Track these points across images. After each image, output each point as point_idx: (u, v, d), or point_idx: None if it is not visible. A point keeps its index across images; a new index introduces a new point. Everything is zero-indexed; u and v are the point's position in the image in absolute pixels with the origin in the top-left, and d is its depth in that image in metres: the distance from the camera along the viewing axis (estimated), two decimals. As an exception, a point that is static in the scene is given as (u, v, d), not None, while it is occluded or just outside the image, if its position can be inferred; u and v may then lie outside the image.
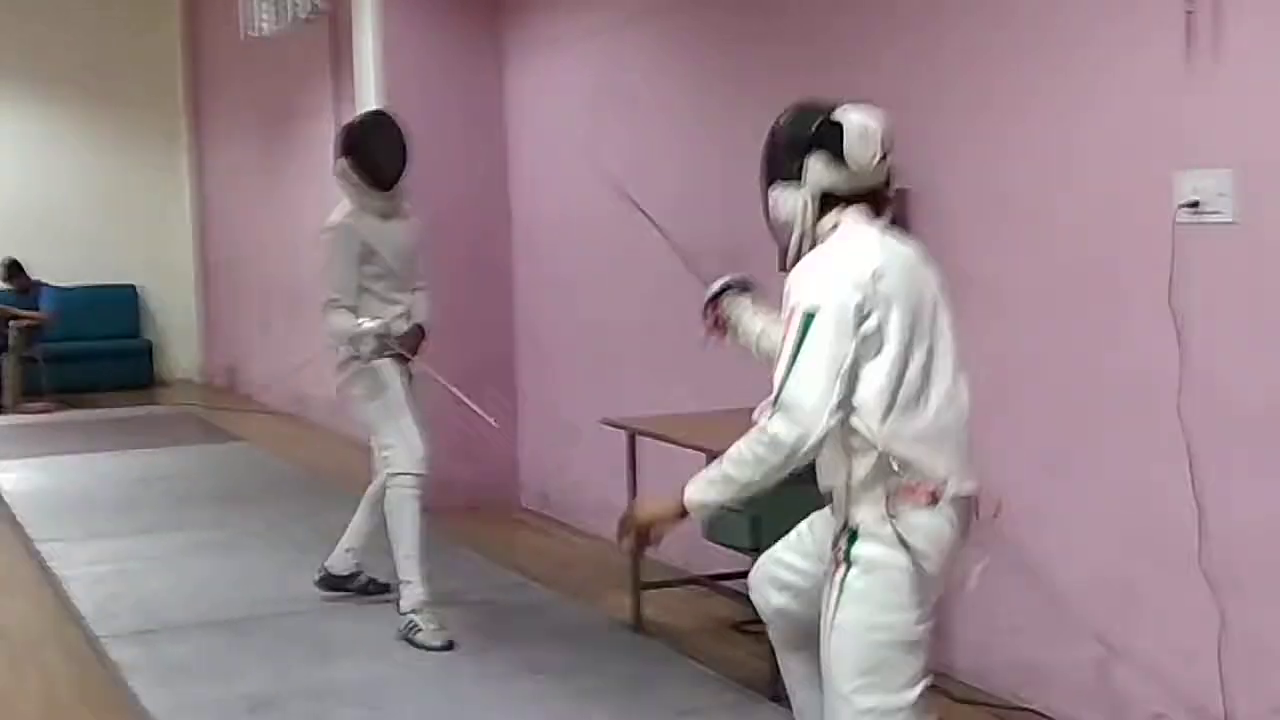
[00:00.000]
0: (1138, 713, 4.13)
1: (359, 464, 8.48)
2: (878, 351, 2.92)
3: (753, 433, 2.95)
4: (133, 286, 14.22)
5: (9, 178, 13.79)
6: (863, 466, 2.96)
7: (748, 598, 5.43)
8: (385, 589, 5.83)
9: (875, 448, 2.92)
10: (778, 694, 4.61)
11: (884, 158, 3.04)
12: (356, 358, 5.38)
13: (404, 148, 5.43)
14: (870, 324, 2.91)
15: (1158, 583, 4.05)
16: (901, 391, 2.94)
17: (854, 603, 2.96)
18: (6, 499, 8.31)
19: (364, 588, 5.86)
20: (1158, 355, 3.94)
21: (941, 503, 2.95)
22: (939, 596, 3.05)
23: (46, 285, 12.78)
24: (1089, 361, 4.26)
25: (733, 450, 2.99)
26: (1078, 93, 4.27)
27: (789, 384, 2.89)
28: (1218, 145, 3.82)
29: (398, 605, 5.34)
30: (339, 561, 5.85)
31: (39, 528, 7.45)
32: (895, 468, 2.92)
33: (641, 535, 3.16)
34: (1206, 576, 3.85)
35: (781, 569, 3.30)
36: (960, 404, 3.03)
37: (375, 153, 5.39)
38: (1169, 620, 4.02)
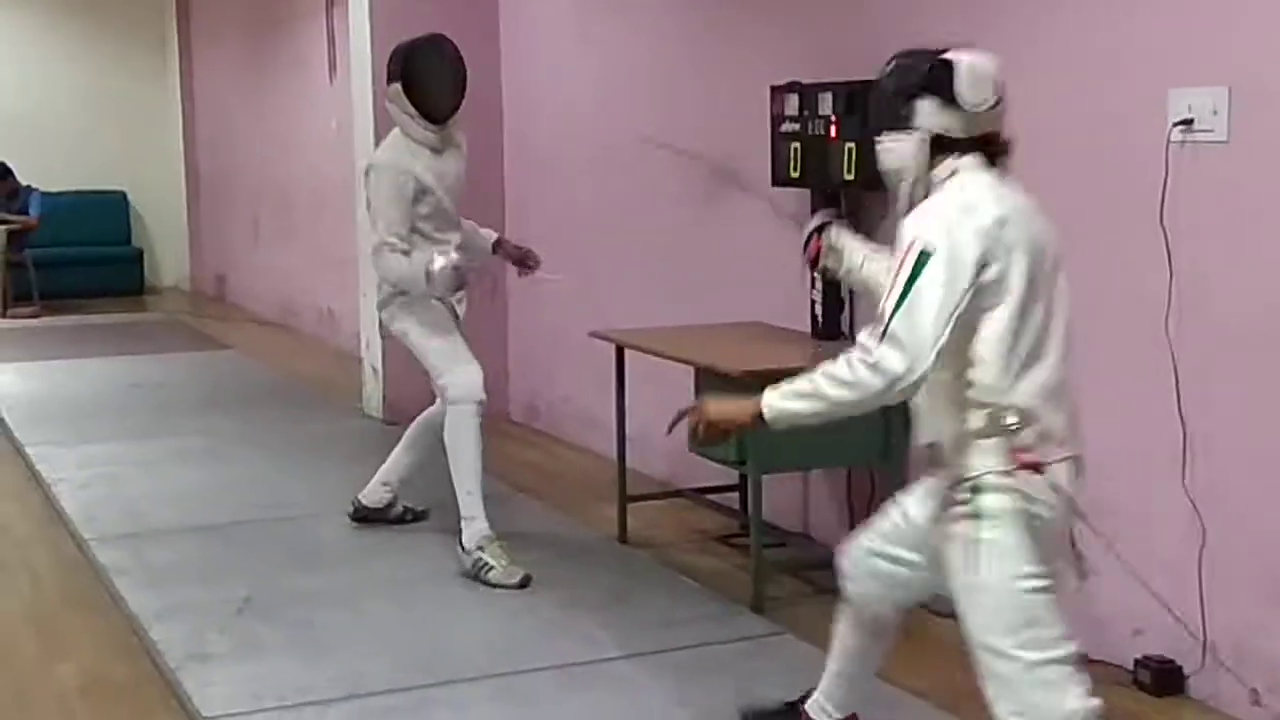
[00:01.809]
0: (1119, 629, 4.16)
1: (346, 374, 8.51)
2: (999, 302, 2.83)
3: (855, 354, 2.83)
4: (123, 192, 14.13)
5: (-5, 81, 13.68)
6: (978, 419, 2.86)
7: (731, 510, 5.51)
8: (423, 516, 5.66)
9: (992, 400, 2.84)
10: (758, 604, 4.66)
11: (997, 103, 2.93)
12: (401, 294, 5.08)
13: (463, 77, 5.12)
14: (990, 273, 2.81)
15: (1141, 500, 4.07)
16: (1023, 344, 2.85)
17: (994, 556, 2.85)
18: (-6, 403, 8.32)
19: (400, 517, 5.62)
20: (1148, 274, 3.92)
21: (1052, 465, 2.86)
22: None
23: (34, 190, 12.71)
24: (1080, 279, 4.23)
25: (829, 366, 2.88)
26: (1073, 10, 4.22)
27: (898, 317, 2.78)
28: (1212, 63, 3.79)
29: (459, 542, 5.03)
30: (373, 494, 5.57)
31: (27, 431, 7.45)
32: (1012, 422, 2.83)
33: (713, 432, 3.07)
34: (1189, 494, 3.87)
35: (886, 562, 3.21)
36: (1071, 363, 2.94)
37: (431, 82, 5.02)
38: (1151, 537, 4.05)
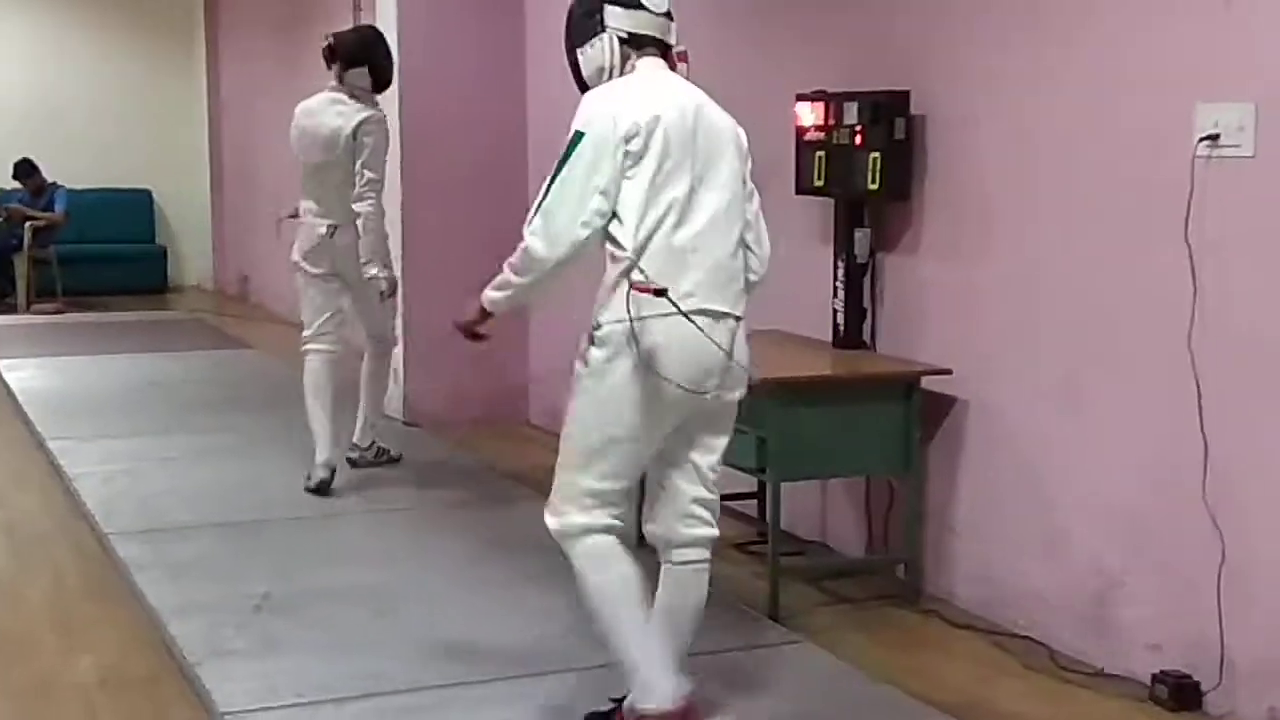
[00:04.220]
0: (1135, 643, 4.16)
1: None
2: (636, 169, 3.27)
3: (519, 247, 3.33)
4: (148, 190, 14.20)
5: (22, 78, 13.73)
6: (615, 270, 3.31)
7: (749, 517, 5.52)
8: (395, 460, 6.60)
9: (626, 254, 3.27)
10: (776, 613, 4.66)
11: (669, 14, 3.47)
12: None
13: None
14: (636, 143, 3.27)
15: (1161, 514, 4.07)
16: (658, 208, 3.28)
17: (582, 398, 3.41)
18: (18, 397, 8.35)
19: (376, 456, 6.58)
20: (1172, 287, 3.93)
21: (676, 306, 3.23)
22: (695, 409, 3.39)
23: (60, 186, 12.77)
24: (1105, 292, 4.26)
25: (510, 259, 3.38)
26: (1104, 24, 4.23)
27: (547, 199, 3.28)
28: (1240, 79, 3.79)
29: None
30: (364, 436, 6.56)
31: (49, 426, 7.50)
32: (639, 274, 3.26)
33: (469, 333, 3.60)
34: (1209, 509, 3.87)
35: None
36: (730, 239, 3.39)
37: (385, 59, 6.29)
38: (1170, 552, 4.05)
